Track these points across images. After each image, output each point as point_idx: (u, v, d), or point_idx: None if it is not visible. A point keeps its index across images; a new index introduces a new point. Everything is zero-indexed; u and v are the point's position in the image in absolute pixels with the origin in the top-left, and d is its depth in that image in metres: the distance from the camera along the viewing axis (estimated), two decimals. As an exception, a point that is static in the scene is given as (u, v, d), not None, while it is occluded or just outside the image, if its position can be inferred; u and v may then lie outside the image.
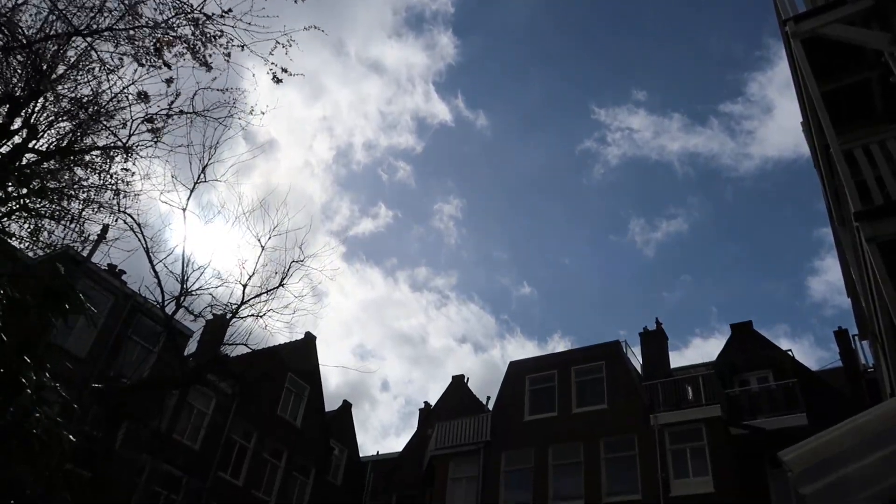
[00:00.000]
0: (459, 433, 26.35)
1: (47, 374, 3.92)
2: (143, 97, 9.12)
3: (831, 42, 8.16)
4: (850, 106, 9.08)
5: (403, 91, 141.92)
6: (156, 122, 9.55)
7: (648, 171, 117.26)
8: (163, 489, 21.33)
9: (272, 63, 7.68)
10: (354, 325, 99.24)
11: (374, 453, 35.23)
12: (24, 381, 3.44)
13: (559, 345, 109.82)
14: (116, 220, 10.99)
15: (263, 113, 9.92)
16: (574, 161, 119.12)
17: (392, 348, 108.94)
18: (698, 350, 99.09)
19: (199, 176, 12.47)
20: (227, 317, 14.70)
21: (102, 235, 13.63)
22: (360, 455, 34.14)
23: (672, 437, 21.98)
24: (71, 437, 3.82)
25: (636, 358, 26.76)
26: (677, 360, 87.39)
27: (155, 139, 9.72)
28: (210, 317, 14.56)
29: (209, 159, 12.99)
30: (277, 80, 8.65)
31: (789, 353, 24.33)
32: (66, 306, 3.92)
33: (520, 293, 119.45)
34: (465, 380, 35.10)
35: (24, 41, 6.92)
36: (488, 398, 32.20)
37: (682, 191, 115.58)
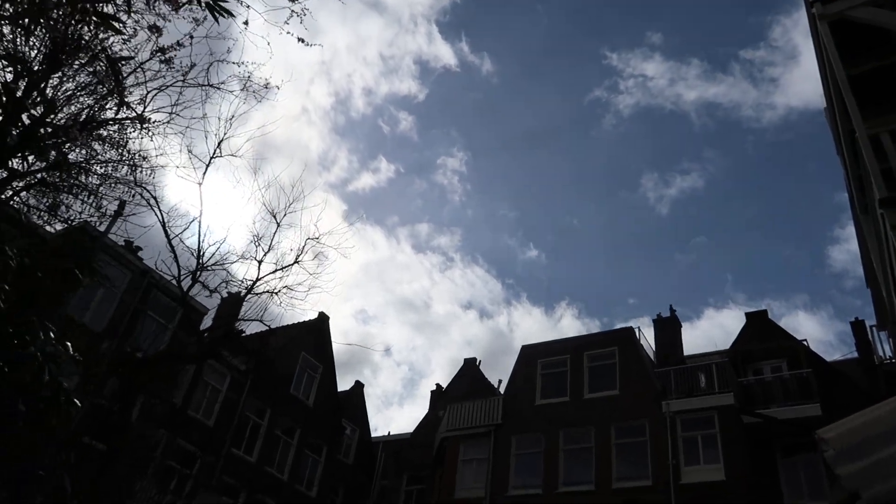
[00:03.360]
0: (471, 415, 26.46)
1: (66, 344, 3.93)
2: (156, 30, 8.93)
3: (858, 25, 7.98)
4: (877, 90, 8.89)
5: (405, 31, 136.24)
6: (168, 52, 9.30)
7: (663, 122, 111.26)
8: (177, 464, 21.66)
9: (288, 33, 7.60)
10: (355, 289, 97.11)
11: (385, 433, 35.52)
12: (27, 338, 3.42)
13: (566, 313, 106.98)
14: (133, 196, 11.01)
15: (279, 88, 9.87)
16: (583, 111, 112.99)
17: (395, 314, 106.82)
18: (712, 322, 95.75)
19: (215, 150, 12.47)
20: (243, 294, 14.77)
21: (120, 210, 13.70)
22: (372, 435, 34.43)
23: (684, 424, 21.94)
24: (77, 401, 3.79)
25: (649, 344, 26.68)
26: (690, 333, 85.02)
27: (168, 67, 9.43)
28: (226, 293, 14.65)
29: (224, 133, 12.96)
30: (300, 40, 8.56)
31: (804, 343, 24.14)
32: (81, 274, 3.94)
33: (526, 256, 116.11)
34: (478, 362, 35.20)
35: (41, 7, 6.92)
36: (500, 381, 32.29)
37: (698, 144, 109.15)
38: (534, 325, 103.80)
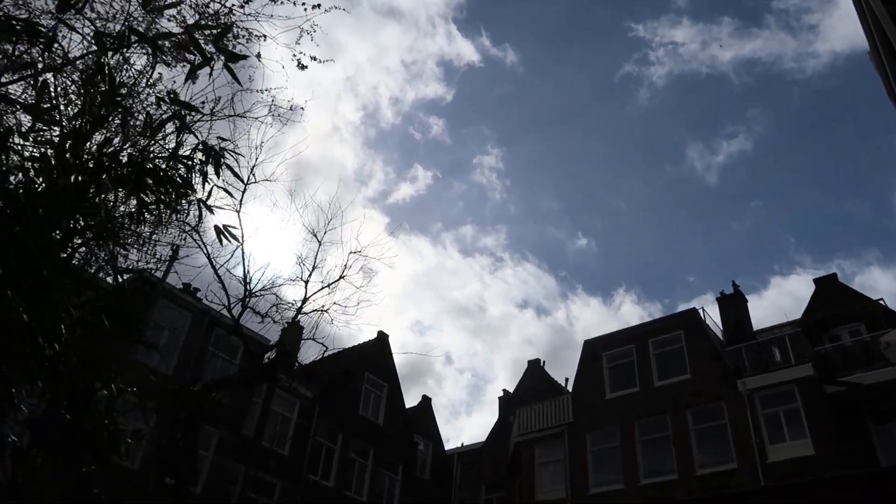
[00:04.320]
0: (541, 417, 26.12)
1: (129, 388, 4.05)
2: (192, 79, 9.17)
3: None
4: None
5: (424, 34, 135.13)
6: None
7: (700, 87, 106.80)
8: (257, 495, 22.01)
9: (300, 52, 7.69)
10: (407, 301, 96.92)
11: (458, 444, 35.38)
12: (96, 391, 3.55)
13: (625, 300, 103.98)
14: (184, 238, 11.25)
15: (303, 109, 9.97)
16: (615, 88, 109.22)
17: (450, 321, 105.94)
18: (779, 290, 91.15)
19: (249, 177, 12.67)
20: (293, 315, 14.95)
21: (175, 255, 14.08)
22: (445, 448, 34.36)
23: (763, 401, 21.12)
24: (129, 440, 3.94)
25: (715, 323, 25.87)
26: (758, 305, 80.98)
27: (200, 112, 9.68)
28: (278, 318, 14.86)
29: (256, 159, 13.19)
30: (302, 67, 8.68)
31: (881, 301, 23.00)
32: (129, 328, 4.02)
33: (576, 246, 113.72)
34: (542, 363, 34.82)
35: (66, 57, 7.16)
36: (567, 379, 31.84)
37: (740, 105, 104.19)
38: (593, 317, 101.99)
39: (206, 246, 12.95)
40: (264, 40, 6.90)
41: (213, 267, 12.80)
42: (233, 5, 7.04)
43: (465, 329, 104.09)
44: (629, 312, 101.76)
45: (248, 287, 13.54)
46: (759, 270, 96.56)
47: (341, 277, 15.46)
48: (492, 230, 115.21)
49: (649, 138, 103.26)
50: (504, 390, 36.37)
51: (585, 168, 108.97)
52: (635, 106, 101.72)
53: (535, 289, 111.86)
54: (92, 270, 11.27)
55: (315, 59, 7.79)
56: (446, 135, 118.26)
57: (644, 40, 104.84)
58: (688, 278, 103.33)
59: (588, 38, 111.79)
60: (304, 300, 14.66)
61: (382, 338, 31.03)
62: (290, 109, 9.89)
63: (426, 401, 34.94)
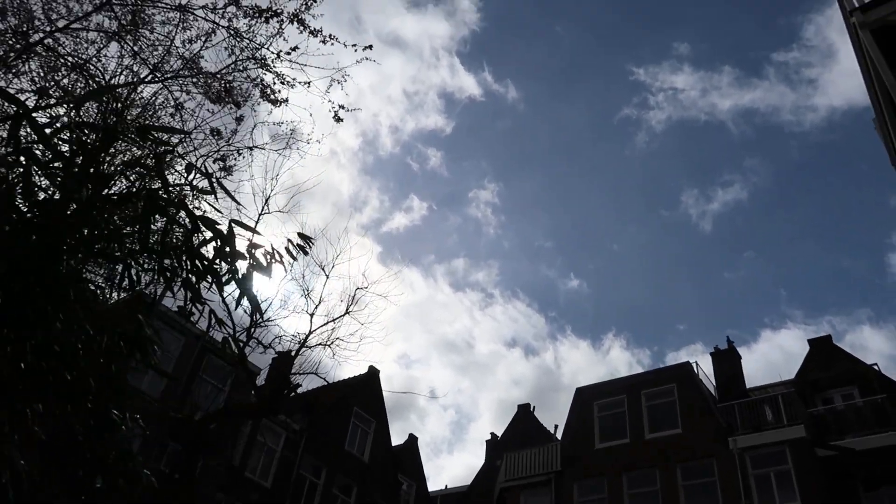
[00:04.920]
0: (529, 464, 25.76)
1: (135, 416, 4.06)
2: (216, 133, 9.34)
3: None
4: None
5: (427, 66, 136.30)
6: (228, 160, 9.76)
7: (698, 134, 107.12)
8: (237, 527, 21.51)
9: (329, 101, 7.91)
10: (396, 333, 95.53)
11: (443, 487, 34.81)
12: (116, 420, 3.55)
13: (614, 345, 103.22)
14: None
15: (319, 141, 10.10)
16: (615, 131, 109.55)
17: (438, 356, 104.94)
18: (770, 344, 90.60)
19: (263, 208, 12.73)
20: (297, 347, 14.85)
21: (172, 278, 14.01)
22: (429, 489, 33.77)
23: (754, 461, 20.93)
24: (148, 472, 3.95)
25: (708, 378, 25.77)
26: (748, 358, 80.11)
27: (226, 175, 9.92)
28: (280, 349, 14.77)
29: (271, 191, 13.24)
30: (339, 120, 8.89)
31: (875, 366, 23.01)
32: (140, 355, 4.03)
33: (568, 287, 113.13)
34: (532, 408, 34.51)
35: (104, 84, 7.29)
36: (556, 426, 31.53)
37: (738, 153, 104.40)
38: (582, 360, 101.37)
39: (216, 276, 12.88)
40: (308, 86, 7.12)
41: (222, 295, 12.71)
42: (280, 51, 7.25)
43: (452, 365, 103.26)
44: (618, 358, 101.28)
45: (254, 318, 13.49)
46: (749, 323, 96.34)
47: (347, 313, 15.43)
48: (484, 265, 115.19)
49: (646, 182, 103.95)
50: (492, 433, 35.98)
51: (581, 208, 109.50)
52: (633, 149, 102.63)
53: (525, 328, 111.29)
54: (92, 288, 11.24)
55: (344, 107, 7.98)
56: (444, 167, 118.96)
57: (644, 84, 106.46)
58: (678, 326, 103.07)
59: (589, 79, 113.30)
60: (309, 333, 14.60)
61: (373, 373, 30.76)
62: (307, 143, 9.99)
63: (412, 439, 34.48)
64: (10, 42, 6.42)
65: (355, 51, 8.11)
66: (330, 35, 7.95)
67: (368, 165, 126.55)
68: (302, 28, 7.92)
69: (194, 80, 8.59)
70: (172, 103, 8.43)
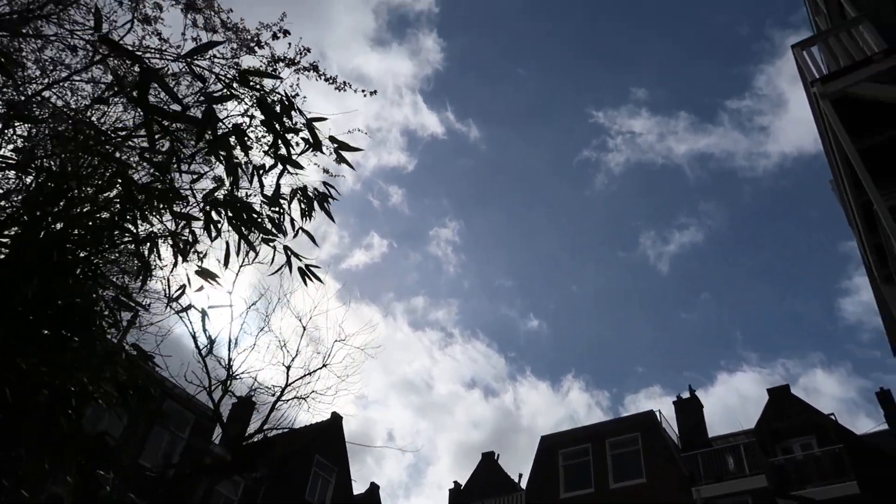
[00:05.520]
0: (493, 514, 25.37)
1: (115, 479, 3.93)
2: (219, 181, 9.13)
3: (858, 100, 8.25)
4: (883, 162, 9.08)
5: (391, 103, 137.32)
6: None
7: (656, 177, 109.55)
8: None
9: (315, 164, 7.93)
10: (353, 372, 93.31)
11: (404, 538, 33.92)
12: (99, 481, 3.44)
13: (573, 386, 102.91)
14: (167, 309, 10.90)
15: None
16: (574, 172, 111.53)
17: (396, 397, 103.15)
18: (727, 387, 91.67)
19: (244, 259, 12.42)
20: (273, 402, 14.43)
21: (132, 322, 13.63)
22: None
23: (717, 510, 21.00)
24: None
25: (671, 426, 25.94)
26: (706, 401, 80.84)
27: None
28: (254, 401, 14.36)
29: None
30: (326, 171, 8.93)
31: (832, 416, 23.50)
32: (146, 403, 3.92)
33: (527, 327, 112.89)
34: (496, 456, 34.14)
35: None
36: (520, 475, 31.22)
37: (693, 197, 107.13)
38: (541, 401, 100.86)
39: (192, 326, 12.48)
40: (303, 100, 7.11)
41: (198, 347, 12.37)
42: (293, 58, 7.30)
43: (411, 406, 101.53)
44: (577, 400, 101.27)
45: (230, 371, 13.14)
46: (706, 365, 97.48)
47: (324, 366, 15.16)
48: (444, 304, 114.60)
49: (605, 223, 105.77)
50: (455, 482, 35.39)
51: (541, 248, 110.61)
52: (593, 190, 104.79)
53: (484, 368, 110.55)
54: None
55: (327, 172, 8.04)
56: (405, 204, 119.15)
57: (604, 127, 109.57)
58: (637, 368, 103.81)
59: (550, 121, 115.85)
60: (286, 387, 14.24)
61: (336, 420, 30.14)
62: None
63: (374, 488, 33.69)
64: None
65: (364, 95, 8.15)
66: (345, 82, 7.97)
67: (329, 201, 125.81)
68: (318, 76, 7.93)
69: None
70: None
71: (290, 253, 4.00)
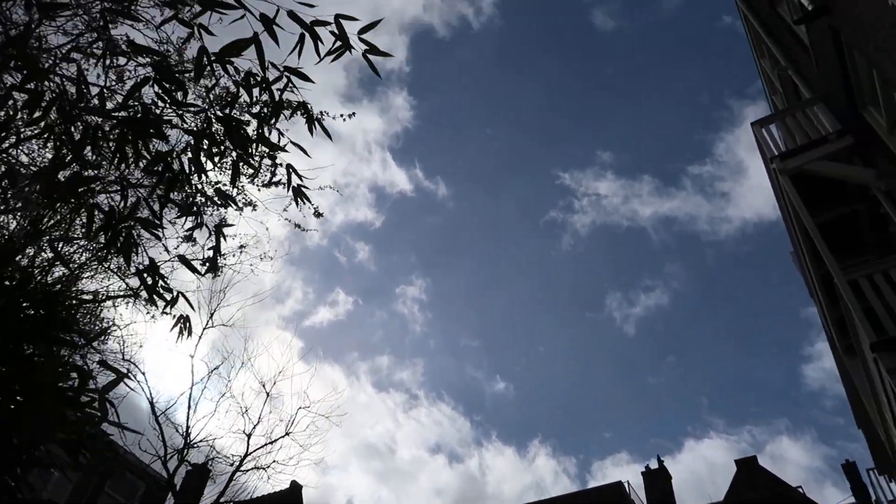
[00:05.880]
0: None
1: None
2: (190, 238, 8.89)
3: (815, 177, 8.52)
4: (840, 237, 9.32)
5: (360, 159, 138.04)
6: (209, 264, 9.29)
7: (621, 239, 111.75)
8: None
9: (287, 220, 7.94)
10: (313, 435, 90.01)
11: None
12: None
13: (540, 452, 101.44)
14: (129, 371, 10.45)
15: (272, 258, 9.89)
16: (541, 232, 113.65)
17: (357, 461, 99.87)
18: (694, 454, 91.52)
19: (208, 322, 11.91)
20: (231, 472, 13.75)
21: (83, 385, 13.06)
22: None
23: (687, 587, 20.43)
24: None
25: (640, 498, 25.44)
26: (673, 469, 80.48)
27: (215, 275, 9.43)
28: (210, 469, 13.67)
29: (218, 304, 12.44)
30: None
31: (800, 489, 23.33)
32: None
33: (494, 390, 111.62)
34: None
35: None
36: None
37: (658, 259, 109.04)
38: (507, 467, 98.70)
39: (150, 391, 11.91)
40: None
41: (155, 413, 11.75)
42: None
43: (373, 472, 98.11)
44: (543, 466, 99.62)
45: (188, 439, 12.51)
46: (673, 431, 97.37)
47: (286, 434, 14.57)
48: (409, 363, 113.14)
49: (572, 283, 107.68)
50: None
51: (508, 307, 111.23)
52: (559, 250, 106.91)
53: (449, 432, 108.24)
54: None
55: (299, 226, 7.98)
56: (372, 261, 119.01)
57: (570, 189, 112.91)
58: (604, 434, 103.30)
59: (518, 181, 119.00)
60: (246, 455, 13.57)
61: (295, 489, 28.96)
62: (261, 258, 9.73)
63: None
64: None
65: (343, 119, 8.09)
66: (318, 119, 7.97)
67: (294, 256, 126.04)
68: (304, 115, 7.89)
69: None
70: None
71: (291, 170, 3.82)
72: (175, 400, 13.63)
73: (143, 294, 8.89)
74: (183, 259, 3.42)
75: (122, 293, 8.60)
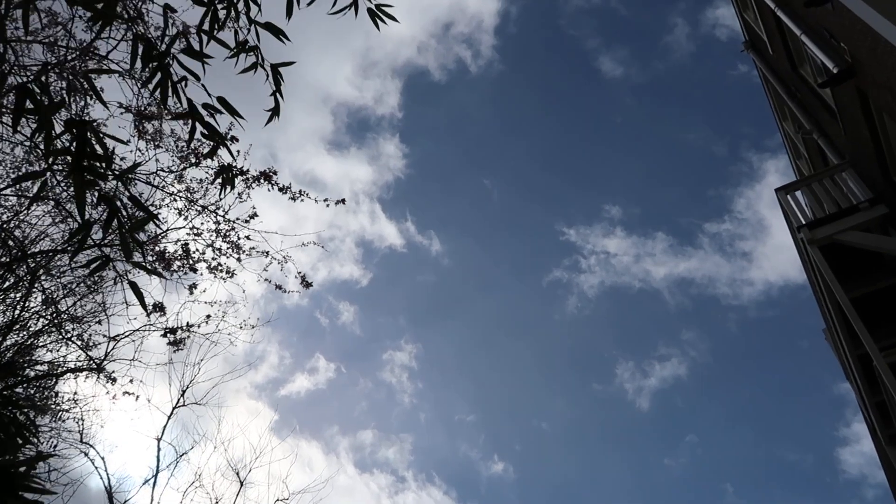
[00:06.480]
0: None
1: None
2: (160, 308, 8.41)
3: (846, 247, 7.89)
4: (876, 312, 8.59)
5: (346, 210, 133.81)
6: (178, 332, 8.76)
7: (633, 302, 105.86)
8: None
9: (266, 280, 7.51)
10: None
11: None
12: None
13: None
14: (88, 453, 9.69)
15: (254, 326, 9.36)
16: (544, 293, 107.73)
17: None
18: None
19: (179, 400, 10.85)
20: None
21: (34, 462, 12.32)
22: None
23: None
24: None
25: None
26: None
27: (177, 349, 8.89)
28: None
29: (191, 380, 11.20)
30: (308, 285, 8.44)
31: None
32: None
33: (490, 472, 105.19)
34: None
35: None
36: None
37: (674, 325, 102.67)
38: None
39: (108, 476, 10.80)
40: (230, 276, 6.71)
41: (110, 494, 10.64)
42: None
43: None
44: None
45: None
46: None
47: None
48: (396, 440, 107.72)
49: (577, 351, 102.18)
50: None
51: (507, 378, 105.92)
52: (564, 314, 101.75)
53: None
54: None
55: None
56: (357, 323, 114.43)
57: (576, 246, 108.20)
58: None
59: (518, 237, 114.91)
60: None
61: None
62: (240, 327, 9.22)
63: None
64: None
65: (327, 205, 7.74)
66: (300, 191, 7.56)
67: (270, 316, 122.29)
68: (271, 186, 7.51)
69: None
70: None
71: (217, 138, 3.06)
72: (138, 489, 11.94)
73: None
74: (223, 101, 2.86)
75: (82, 365, 8.07)
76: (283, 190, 7.49)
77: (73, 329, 7.91)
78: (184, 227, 7.56)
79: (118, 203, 2.54)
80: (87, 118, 6.68)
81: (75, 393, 8.31)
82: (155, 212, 7.73)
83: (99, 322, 8.06)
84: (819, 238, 7.62)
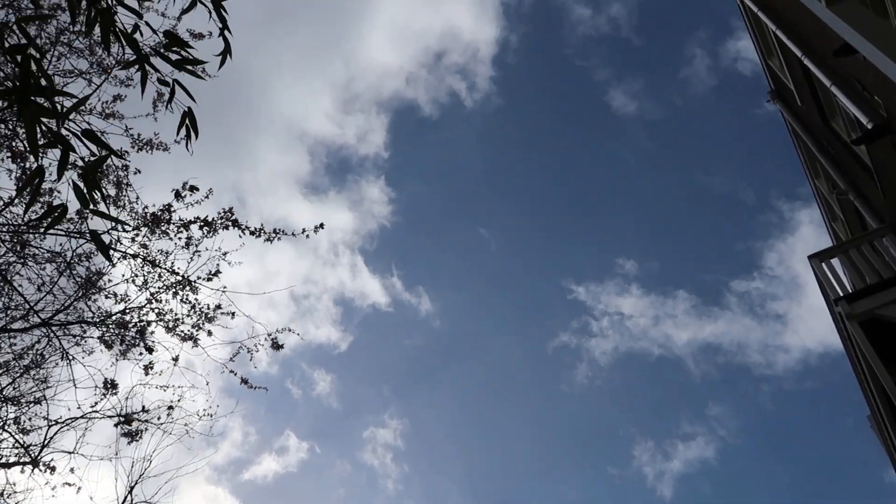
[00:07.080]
0: None
1: None
2: (112, 386, 7.77)
3: (890, 323, 6.92)
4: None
5: (323, 263, 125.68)
6: (135, 422, 8.08)
7: (652, 371, 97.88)
8: None
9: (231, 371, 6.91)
10: None
11: None
12: None
13: None
14: None
15: (212, 415, 8.55)
16: (549, 361, 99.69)
17: None
18: None
19: (126, 497, 9.56)
20: None
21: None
22: None
23: None
24: None
25: None
26: None
27: (132, 440, 8.17)
28: None
29: (140, 475, 9.76)
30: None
31: None
32: None
33: None
34: None
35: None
36: None
37: (700, 399, 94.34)
38: None
39: None
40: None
41: None
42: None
43: None
44: None
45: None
46: None
47: None
48: None
49: (588, 428, 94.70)
50: None
51: (507, 460, 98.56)
52: (572, 385, 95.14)
53: None
54: None
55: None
56: (334, 395, 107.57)
57: (585, 306, 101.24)
58: None
59: (519, 297, 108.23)
60: None
61: None
62: (199, 417, 8.44)
63: None
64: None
65: (307, 236, 7.04)
66: (275, 230, 6.87)
67: (233, 385, 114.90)
68: (242, 231, 6.84)
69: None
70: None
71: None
72: None
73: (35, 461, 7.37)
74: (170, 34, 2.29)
75: (15, 458, 7.29)
76: (254, 233, 6.75)
77: (7, 413, 7.17)
78: (145, 300, 6.94)
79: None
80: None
81: (8, 483, 7.49)
82: (115, 284, 7.13)
83: (38, 402, 7.34)
84: (859, 313, 6.67)
